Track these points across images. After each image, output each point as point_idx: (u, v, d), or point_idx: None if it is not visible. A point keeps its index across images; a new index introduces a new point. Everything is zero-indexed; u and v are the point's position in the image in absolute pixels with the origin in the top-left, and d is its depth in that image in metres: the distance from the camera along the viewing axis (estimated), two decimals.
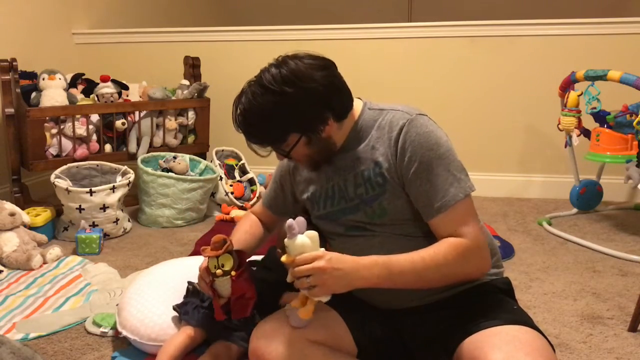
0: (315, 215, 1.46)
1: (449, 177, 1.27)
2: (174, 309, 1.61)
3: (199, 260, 1.96)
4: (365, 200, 1.34)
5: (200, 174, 3.06)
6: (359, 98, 1.41)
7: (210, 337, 1.54)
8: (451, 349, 1.22)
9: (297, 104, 1.27)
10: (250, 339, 1.33)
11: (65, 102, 2.91)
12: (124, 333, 1.62)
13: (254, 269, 1.63)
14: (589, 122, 2.85)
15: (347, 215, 1.38)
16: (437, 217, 1.27)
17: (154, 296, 1.67)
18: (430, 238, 1.31)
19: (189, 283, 1.65)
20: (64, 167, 2.75)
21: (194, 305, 1.58)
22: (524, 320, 1.25)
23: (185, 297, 1.63)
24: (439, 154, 1.27)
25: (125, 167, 2.84)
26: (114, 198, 2.64)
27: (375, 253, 1.27)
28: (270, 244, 1.66)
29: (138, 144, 3.13)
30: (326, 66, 1.32)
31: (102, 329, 1.73)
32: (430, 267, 1.24)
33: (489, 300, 1.32)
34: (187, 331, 1.54)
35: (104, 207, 2.61)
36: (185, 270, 1.82)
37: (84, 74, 3.23)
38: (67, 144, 2.95)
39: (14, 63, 2.83)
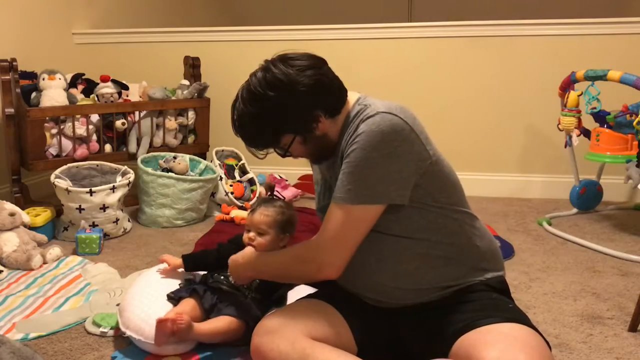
0: (317, 207, 1.51)
1: (358, 180, 1.27)
2: (168, 298, 1.67)
3: None
4: None
5: (200, 174, 3.06)
6: (357, 92, 1.41)
7: (204, 302, 1.61)
8: (447, 347, 1.22)
9: (284, 107, 1.29)
10: (252, 335, 1.35)
11: (65, 102, 2.91)
12: (128, 333, 1.61)
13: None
14: (589, 122, 2.85)
15: None
16: (330, 204, 1.33)
17: (157, 296, 1.68)
18: (416, 238, 1.33)
19: (181, 282, 1.73)
20: (64, 167, 2.74)
21: (186, 287, 1.68)
22: (518, 318, 1.26)
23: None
24: (367, 155, 1.25)
25: (125, 167, 2.84)
26: (114, 198, 2.64)
27: (365, 252, 1.33)
28: None
29: (138, 144, 3.13)
30: (313, 65, 1.32)
31: (102, 329, 1.73)
32: (275, 262, 1.49)
33: (483, 298, 1.32)
34: (183, 303, 1.61)
35: (104, 207, 2.61)
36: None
37: (84, 74, 3.23)
38: (67, 144, 2.95)
39: (14, 63, 2.83)
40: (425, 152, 1.31)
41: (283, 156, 1.42)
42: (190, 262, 1.78)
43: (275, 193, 1.75)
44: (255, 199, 3.17)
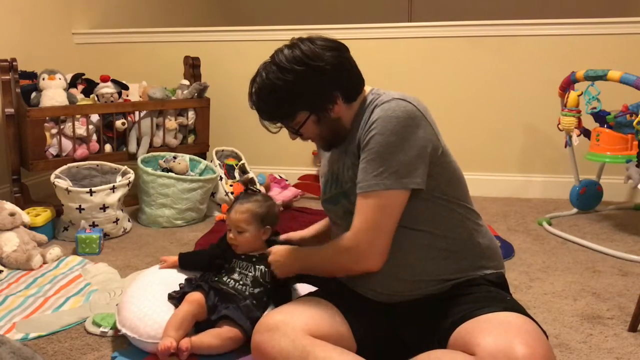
0: (322, 199, 1.53)
1: (383, 166, 1.28)
2: (169, 297, 1.67)
3: None
4: (355, 182, 1.36)
5: (200, 174, 3.06)
6: (369, 86, 1.45)
7: (208, 300, 1.61)
8: (445, 338, 1.23)
9: (306, 83, 1.33)
10: (253, 333, 1.36)
11: (65, 102, 2.91)
12: (124, 331, 1.61)
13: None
14: (589, 122, 2.85)
15: (343, 199, 1.42)
16: (358, 195, 1.33)
17: (154, 295, 1.68)
18: (419, 230, 1.34)
19: (181, 283, 1.72)
20: (64, 167, 2.75)
21: (189, 284, 1.69)
22: (515, 307, 1.27)
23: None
24: (388, 140, 1.28)
25: (125, 167, 2.84)
26: (114, 198, 2.64)
27: None
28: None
29: (138, 144, 3.13)
30: (337, 48, 1.37)
31: (101, 329, 1.73)
32: (321, 260, 1.46)
33: (482, 291, 1.33)
34: (187, 299, 1.60)
35: (104, 207, 2.61)
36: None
37: (84, 74, 3.23)
38: (67, 144, 2.95)
39: (14, 63, 2.83)
40: (437, 141, 1.34)
41: (294, 134, 1.43)
42: (185, 260, 1.81)
43: (253, 187, 1.76)
44: None
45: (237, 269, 1.68)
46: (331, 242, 1.45)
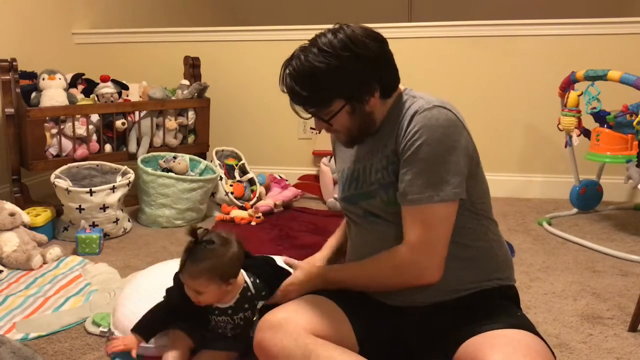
0: (339, 197, 1.50)
1: (434, 177, 1.25)
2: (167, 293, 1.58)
3: None
4: (382, 185, 1.35)
5: (200, 174, 3.06)
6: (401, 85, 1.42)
7: (197, 342, 1.52)
8: (452, 350, 1.22)
9: (349, 69, 1.28)
10: (255, 331, 1.35)
11: (65, 102, 2.91)
12: (116, 334, 1.62)
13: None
14: (589, 122, 2.85)
15: (365, 200, 1.39)
16: (404, 207, 1.29)
17: (147, 298, 1.64)
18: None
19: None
20: (64, 167, 2.75)
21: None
22: (525, 324, 1.26)
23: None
24: (435, 151, 1.25)
25: (125, 167, 2.84)
26: (114, 198, 2.64)
27: (390, 244, 1.31)
28: None
29: (138, 144, 3.13)
30: (379, 39, 1.34)
31: (101, 329, 1.73)
32: (365, 276, 1.38)
33: (493, 304, 1.32)
34: (180, 339, 1.51)
35: (104, 207, 2.61)
36: None
37: (84, 74, 3.23)
38: (67, 144, 2.95)
39: (14, 63, 2.83)
40: (475, 151, 1.33)
41: (323, 123, 1.36)
42: (145, 331, 1.54)
43: (204, 236, 1.42)
44: (255, 199, 3.18)
45: (213, 322, 1.51)
46: (380, 260, 1.34)
